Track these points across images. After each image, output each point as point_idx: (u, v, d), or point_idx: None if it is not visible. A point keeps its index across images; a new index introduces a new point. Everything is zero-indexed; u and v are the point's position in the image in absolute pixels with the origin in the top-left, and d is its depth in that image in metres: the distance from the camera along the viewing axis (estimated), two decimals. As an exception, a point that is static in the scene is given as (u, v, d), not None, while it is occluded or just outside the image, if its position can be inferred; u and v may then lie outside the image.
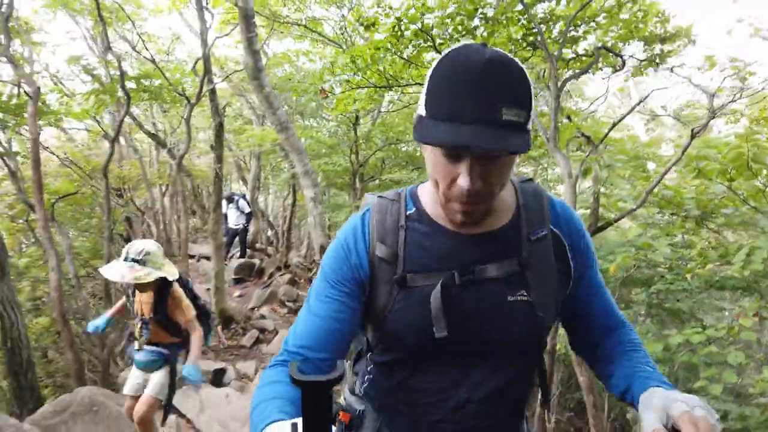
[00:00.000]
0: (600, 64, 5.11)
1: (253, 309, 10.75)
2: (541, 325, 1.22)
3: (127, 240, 13.59)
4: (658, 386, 1.06)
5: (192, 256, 13.77)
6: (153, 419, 4.00)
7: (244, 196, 12.86)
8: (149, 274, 3.53)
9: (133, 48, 11.12)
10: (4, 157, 9.21)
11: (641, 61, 5.88)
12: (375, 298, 1.20)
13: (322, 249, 8.49)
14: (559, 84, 3.56)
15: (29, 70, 8.84)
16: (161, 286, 3.78)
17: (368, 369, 1.37)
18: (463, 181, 1.01)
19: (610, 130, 4.46)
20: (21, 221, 10.66)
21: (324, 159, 11.56)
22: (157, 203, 14.32)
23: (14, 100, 8.82)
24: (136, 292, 3.88)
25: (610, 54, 3.88)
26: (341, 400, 1.40)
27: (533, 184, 1.29)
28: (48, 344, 11.08)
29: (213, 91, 10.76)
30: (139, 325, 3.88)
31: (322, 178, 12.41)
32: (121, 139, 13.35)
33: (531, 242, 1.19)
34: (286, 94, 12.71)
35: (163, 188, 15.13)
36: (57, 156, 11.40)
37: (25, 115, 8.41)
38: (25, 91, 7.88)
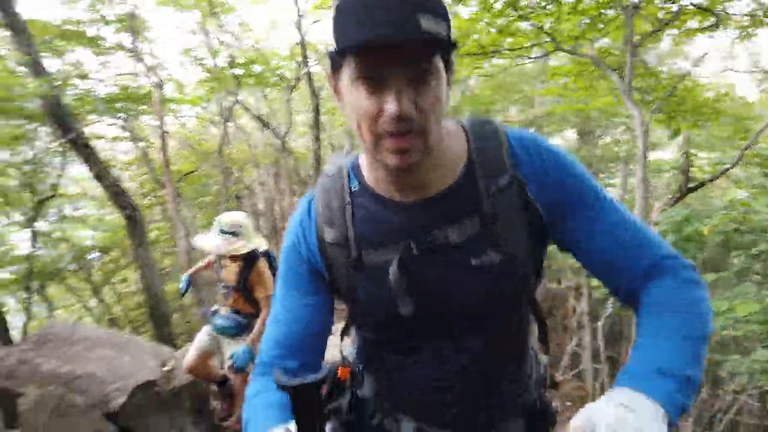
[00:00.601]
0: (697, 23, 5.01)
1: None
2: (519, 283, 1.08)
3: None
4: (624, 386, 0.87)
5: None
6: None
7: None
8: (244, 246, 3.60)
9: (235, 37, 12.15)
10: (136, 142, 10.54)
11: (745, 15, 5.66)
12: (336, 282, 1.12)
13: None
14: (635, 39, 3.75)
15: (151, 64, 10.00)
16: (248, 258, 3.80)
17: (356, 338, 1.31)
18: (391, 106, 0.87)
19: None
20: (150, 197, 12.12)
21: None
22: (262, 181, 15.54)
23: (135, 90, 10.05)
24: (222, 267, 3.96)
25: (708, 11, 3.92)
26: (344, 351, 1.30)
27: (490, 124, 1.11)
28: (175, 307, 12.55)
29: (309, 75, 11.59)
30: (223, 291, 3.96)
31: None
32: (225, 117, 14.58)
33: (492, 194, 1.03)
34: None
35: (268, 168, 16.34)
36: (174, 138, 12.75)
37: (148, 105, 9.65)
38: (152, 83, 9.04)
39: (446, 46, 0.91)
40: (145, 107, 10.07)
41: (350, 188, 1.11)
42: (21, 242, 10.84)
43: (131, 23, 8.94)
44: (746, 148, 5.60)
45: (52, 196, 8.02)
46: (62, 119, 6.68)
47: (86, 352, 4.51)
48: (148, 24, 11.80)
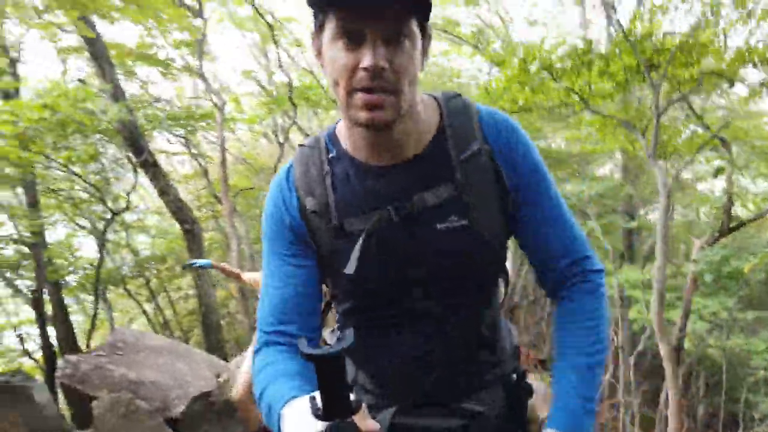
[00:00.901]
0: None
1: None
2: (486, 249, 1.12)
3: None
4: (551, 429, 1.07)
5: None
6: None
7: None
8: None
9: (291, 58, 12.73)
10: (197, 158, 11.19)
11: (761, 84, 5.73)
12: (320, 250, 1.13)
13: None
14: (662, 108, 3.98)
15: (215, 86, 10.65)
16: None
17: (337, 318, 1.32)
18: (366, 60, 0.91)
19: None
20: (206, 210, 12.79)
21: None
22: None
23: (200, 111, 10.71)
24: None
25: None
26: (327, 339, 1.34)
27: (461, 98, 1.17)
28: (223, 314, 13.12)
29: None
30: None
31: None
32: (281, 137, 15.18)
33: (463, 162, 1.09)
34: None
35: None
36: (232, 154, 13.39)
37: (209, 124, 10.27)
38: (214, 103, 9.63)
39: (422, 10, 0.95)
40: (206, 124, 10.74)
41: (328, 156, 1.13)
42: (83, 246, 11.70)
43: (199, 46, 9.56)
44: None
45: (126, 209, 8.65)
46: (135, 141, 7.28)
47: (150, 360, 4.96)
48: (212, 46, 12.59)
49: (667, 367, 4.77)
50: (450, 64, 15.98)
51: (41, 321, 7.35)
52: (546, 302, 13.30)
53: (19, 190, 9.03)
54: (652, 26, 3.81)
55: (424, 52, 1.03)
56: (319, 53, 1.03)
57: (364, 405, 0.77)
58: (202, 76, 9.37)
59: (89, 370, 4.65)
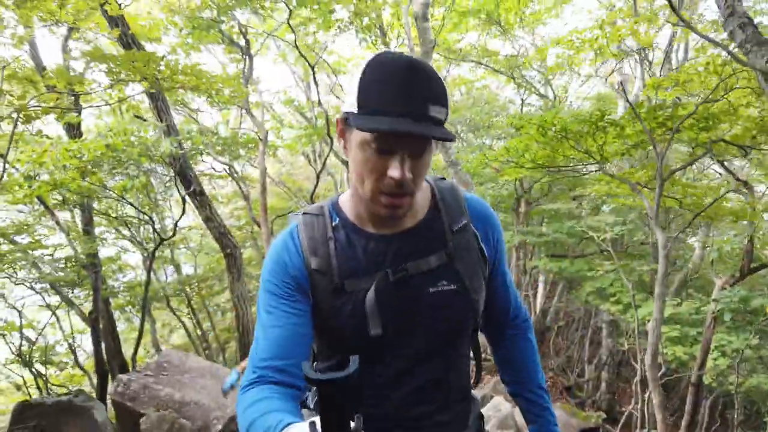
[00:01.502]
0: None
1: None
2: (471, 310, 1.29)
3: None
4: None
5: None
6: None
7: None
8: None
9: (331, 91, 13.36)
10: (239, 183, 11.84)
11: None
12: (317, 306, 1.23)
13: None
14: (667, 176, 4.29)
15: (259, 117, 11.30)
16: None
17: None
18: (395, 172, 1.06)
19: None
20: (246, 231, 13.45)
21: (491, 184, 12.70)
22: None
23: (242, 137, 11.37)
24: None
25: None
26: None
27: (448, 181, 1.37)
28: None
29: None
30: None
31: (489, 202, 13.53)
32: (318, 165, 15.81)
33: (454, 233, 1.27)
34: (459, 117, 14.16)
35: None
36: (272, 178, 14.05)
37: (254, 148, 10.90)
38: (257, 135, 10.25)
39: (443, 133, 1.08)
40: (248, 149, 11.39)
41: (332, 223, 1.26)
42: (130, 260, 12.51)
43: (245, 82, 10.20)
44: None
45: (173, 235, 9.29)
46: (184, 173, 7.90)
47: (193, 381, 5.46)
48: (258, 70, 13.32)
49: (655, 397, 5.02)
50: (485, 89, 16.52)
51: (96, 338, 7.98)
52: (579, 325, 13.43)
53: (77, 212, 9.83)
54: (665, 95, 4.12)
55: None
56: (342, 136, 1.17)
57: None
58: (247, 110, 9.99)
59: (138, 389, 5.17)
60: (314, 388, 1.31)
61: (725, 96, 3.94)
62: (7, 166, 6.34)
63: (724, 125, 4.41)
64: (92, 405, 4.32)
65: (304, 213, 1.30)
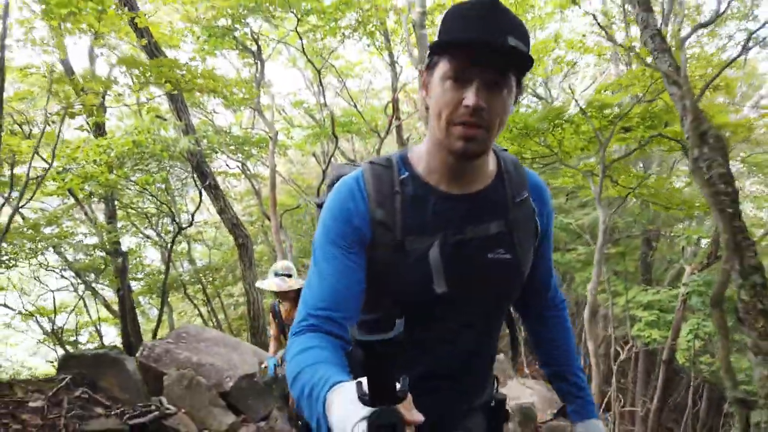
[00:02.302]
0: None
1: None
2: (520, 281, 1.32)
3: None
4: (595, 419, 1.38)
5: None
6: None
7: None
8: (296, 282, 4.38)
9: (338, 94, 14.14)
10: (251, 180, 12.63)
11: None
12: (374, 258, 1.22)
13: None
14: (606, 162, 4.98)
15: (270, 118, 12.08)
16: (299, 293, 4.40)
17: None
18: (470, 99, 1.06)
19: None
20: (257, 226, 14.24)
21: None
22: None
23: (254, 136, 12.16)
24: (280, 304, 4.62)
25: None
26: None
27: (511, 154, 1.38)
28: (269, 320, 14.51)
29: (399, 127, 13.19)
30: (287, 330, 4.45)
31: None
32: (323, 163, 16.57)
33: (515, 204, 1.27)
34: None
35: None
36: (282, 176, 14.84)
37: (265, 147, 11.68)
38: (268, 135, 11.02)
39: (522, 65, 1.10)
40: (260, 149, 12.18)
41: (400, 177, 1.24)
42: (149, 254, 13.36)
43: (257, 85, 10.99)
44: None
45: (190, 225, 10.09)
46: (201, 168, 8.68)
47: (209, 348, 6.19)
48: (269, 72, 14.11)
49: (591, 346, 5.65)
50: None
51: (123, 313, 8.79)
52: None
53: (101, 205, 10.68)
54: (605, 99, 4.77)
55: (516, 99, 1.18)
56: (425, 86, 1.20)
57: (410, 395, 0.78)
58: (259, 112, 10.77)
59: (161, 353, 5.92)
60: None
61: (660, 96, 4.58)
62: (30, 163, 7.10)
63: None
64: (124, 357, 5.05)
65: (371, 162, 1.29)
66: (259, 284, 4.77)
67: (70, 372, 4.57)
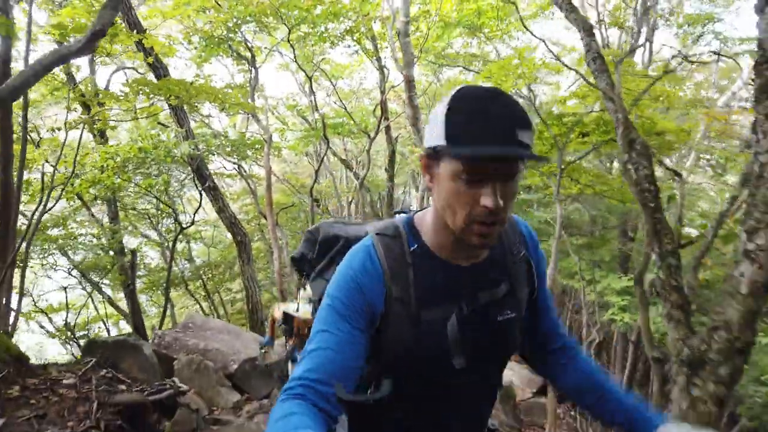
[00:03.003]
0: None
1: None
2: (521, 333, 1.33)
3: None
4: (667, 423, 1.23)
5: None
6: None
7: (411, 208, 15.84)
8: None
9: (329, 95, 14.75)
10: (248, 180, 13.24)
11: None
12: (387, 331, 1.21)
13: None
14: (563, 165, 5.61)
15: (264, 121, 12.68)
16: None
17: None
18: (488, 201, 1.05)
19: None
20: (254, 224, 14.86)
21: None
22: (344, 211, 17.97)
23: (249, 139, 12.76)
24: (299, 322, 4.56)
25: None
26: None
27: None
28: (266, 314, 15.16)
29: (388, 127, 13.81)
30: (298, 341, 4.61)
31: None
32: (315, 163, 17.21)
33: (514, 264, 1.30)
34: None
35: (349, 198, 18.82)
36: (276, 176, 15.45)
37: (260, 149, 12.27)
38: (262, 137, 11.62)
39: (531, 154, 1.09)
40: (255, 150, 12.77)
41: (410, 249, 1.23)
42: (149, 254, 13.96)
43: (251, 91, 11.58)
44: (718, 225, 6.90)
45: (191, 224, 10.70)
46: (200, 171, 9.29)
47: (214, 336, 6.82)
48: (263, 75, 14.71)
49: None
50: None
51: (133, 307, 9.41)
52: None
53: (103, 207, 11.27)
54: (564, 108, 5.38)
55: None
56: (426, 170, 1.18)
57: None
58: (253, 116, 11.37)
59: (171, 341, 6.55)
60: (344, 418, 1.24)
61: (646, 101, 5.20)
62: (55, 167, 7.67)
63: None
64: (142, 343, 5.65)
65: (378, 234, 1.28)
66: (290, 309, 4.74)
67: (94, 356, 5.17)
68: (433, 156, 1.14)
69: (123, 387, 4.85)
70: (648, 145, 3.96)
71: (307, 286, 4.37)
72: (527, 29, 6.58)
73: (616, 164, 12.33)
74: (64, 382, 4.51)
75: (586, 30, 4.44)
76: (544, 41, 4.84)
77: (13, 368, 4.28)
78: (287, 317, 4.76)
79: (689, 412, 3.14)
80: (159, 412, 4.84)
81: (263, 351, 5.97)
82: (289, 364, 4.85)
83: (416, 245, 1.25)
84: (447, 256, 1.24)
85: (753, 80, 3.32)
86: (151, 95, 6.67)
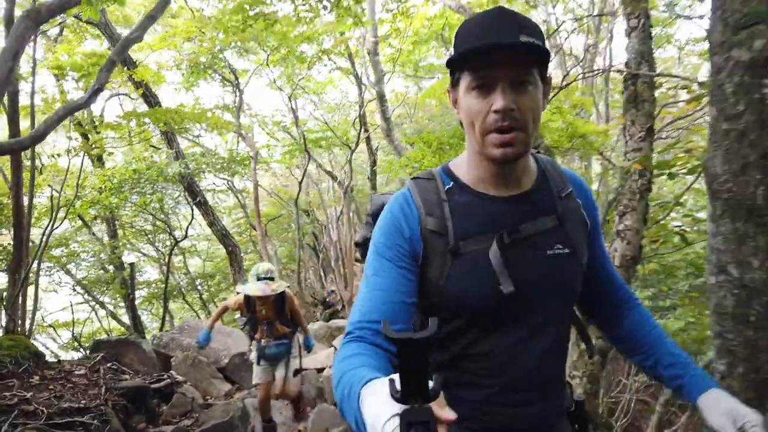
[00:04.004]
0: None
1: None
2: (582, 274, 1.29)
3: (314, 249, 18.17)
4: (715, 388, 1.23)
5: (360, 261, 18.13)
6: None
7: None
8: (280, 286, 4.50)
9: (311, 113, 15.60)
10: (237, 195, 14.07)
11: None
12: (429, 268, 1.22)
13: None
14: None
15: (251, 138, 13.52)
16: (280, 295, 4.60)
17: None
18: (498, 102, 1.06)
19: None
20: (245, 236, 15.67)
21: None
22: (333, 222, 18.79)
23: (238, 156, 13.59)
24: (257, 303, 4.62)
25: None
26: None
27: (543, 155, 1.39)
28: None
29: (368, 139, 14.64)
30: (265, 327, 4.68)
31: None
32: (299, 176, 18.03)
33: (561, 199, 1.28)
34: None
35: (338, 209, 19.64)
36: (265, 189, 16.28)
37: (246, 165, 13.10)
38: (249, 154, 12.45)
39: (540, 59, 1.11)
40: (243, 167, 13.61)
41: (444, 187, 1.26)
42: (146, 269, 14.76)
43: (237, 111, 12.42)
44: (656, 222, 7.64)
45: (185, 237, 11.50)
46: (191, 188, 10.09)
47: (206, 336, 7.60)
48: (248, 104, 15.59)
49: None
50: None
51: (133, 313, 10.20)
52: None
53: (103, 226, 12.09)
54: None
55: (545, 95, 1.17)
56: (454, 103, 1.22)
57: (442, 393, 0.78)
58: (240, 134, 12.20)
59: (168, 341, 7.32)
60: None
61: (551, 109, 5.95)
62: (59, 192, 8.47)
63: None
64: (141, 341, 6.42)
65: (414, 178, 1.32)
66: (241, 288, 4.83)
67: (100, 352, 5.96)
68: (454, 83, 1.19)
69: (127, 377, 5.63)
70: (550, 149, 4.77)
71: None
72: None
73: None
74: (76, 372, 5.29)
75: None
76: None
77: (32, 362, 5.06)
78: (248, 301, 4.67)
79: (578, 361, 3.90)
80: (158, 398, 5.63)
81: (250, 348, 5.76)
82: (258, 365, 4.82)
83: (451, 183, 1.27)
84: (484, 189, 1.25)
85: (622, 92, 4.17)
86: (143, 124, 7.48)
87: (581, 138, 5.91)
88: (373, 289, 1.19)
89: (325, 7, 6.26)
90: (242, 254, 13.80)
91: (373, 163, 14.68)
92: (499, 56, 1.06)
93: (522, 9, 9.17)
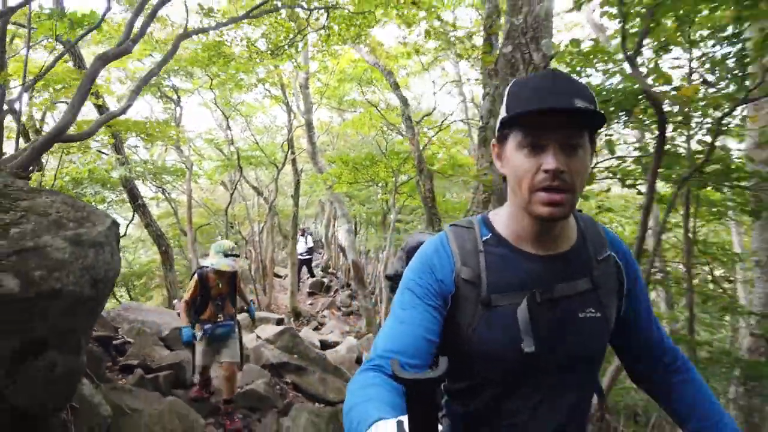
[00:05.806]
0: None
1: (318, 312, 16.00)
2: (607, 340, 1.31)
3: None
4: None
5: (278, 276, 19.58)
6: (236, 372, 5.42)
7: (311, 233, 18.33)
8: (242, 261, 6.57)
9: (242, 132, 17.11)
10: (170, 202, 15.27)
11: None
12: (458, 313, 1.23)
13: (354, 264, 13.15)
14: (398, 183, 8.42)
15: (186, 152, 14.82)
16: (235, 275, 5.06)
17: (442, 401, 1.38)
18: (549, 163, 1.08)
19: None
20: (174, 242, 16.76)
21: (367, 205, 16.82)
22: (256, 235, 20.16)
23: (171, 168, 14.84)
24: (212, 279, 4.90)
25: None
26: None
27: (584, 214, 1.38)
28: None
29: (294, 160, 16.32)
30: (218, 304, 4.92)
31: (363, 219, 17.75)
32: (230, 188, 19.36)
33: (598, 262, 1.28)
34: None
35: (261, 224, 21.04)
36: (195, 200, 17.50)
37: (178, 176, 14.39)
38: (184, 165, 13.77)
39: (593, 123, 1.14)
40: (177, 177, 14.85)
41: (482, 238, 1.27)
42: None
43: (176, 124, 13.76)
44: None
45: (124, 234, 12.58)
46: (132, 192, 11.35)
47: (148, 314, 8.92)
48: (186, 109, 16.84)
49: None
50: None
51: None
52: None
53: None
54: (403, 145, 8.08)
55: (591, 156, 1.19)
56: (498, 157, 1.24)
57: None
58: (176, 147, 13.54)
59: (116, 315, 8.60)
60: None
61: (433, 144, 7.97)
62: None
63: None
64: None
65: (452, 225, 1.34)
66: (208, 262, 4.97)
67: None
68: (501, 139, 1.21)
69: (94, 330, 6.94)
70: (431, 172, 6.75)
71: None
72: (393, 91, 9.44)
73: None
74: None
75: (403, 101, 7.27)
76: (376, 107, 7.55)
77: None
78: (201, 278, 4.92)
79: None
80: (115, 352, 6.98)
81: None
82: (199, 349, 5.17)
83: (489, 234, 1.28)
84: (523, 245, 1.25)
85: (477, 136, 6.21)
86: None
87: (461, 167, 7.99)
88: (398, 321, 1.21)
89: (273, 54, 7.93)
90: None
91: (297, 182, 16.36)
92: (553, 119, 1.10)
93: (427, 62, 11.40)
